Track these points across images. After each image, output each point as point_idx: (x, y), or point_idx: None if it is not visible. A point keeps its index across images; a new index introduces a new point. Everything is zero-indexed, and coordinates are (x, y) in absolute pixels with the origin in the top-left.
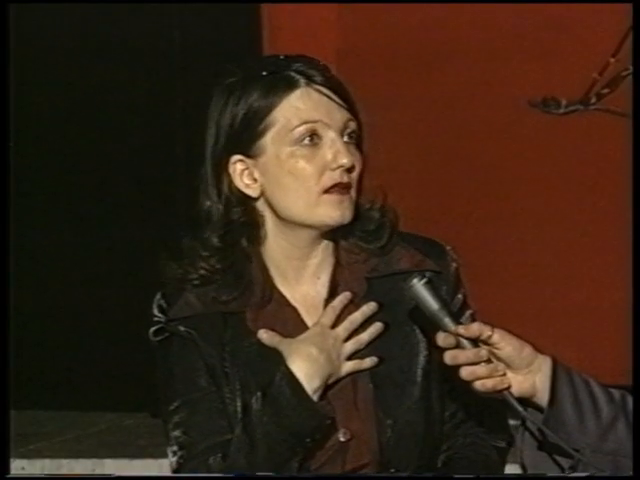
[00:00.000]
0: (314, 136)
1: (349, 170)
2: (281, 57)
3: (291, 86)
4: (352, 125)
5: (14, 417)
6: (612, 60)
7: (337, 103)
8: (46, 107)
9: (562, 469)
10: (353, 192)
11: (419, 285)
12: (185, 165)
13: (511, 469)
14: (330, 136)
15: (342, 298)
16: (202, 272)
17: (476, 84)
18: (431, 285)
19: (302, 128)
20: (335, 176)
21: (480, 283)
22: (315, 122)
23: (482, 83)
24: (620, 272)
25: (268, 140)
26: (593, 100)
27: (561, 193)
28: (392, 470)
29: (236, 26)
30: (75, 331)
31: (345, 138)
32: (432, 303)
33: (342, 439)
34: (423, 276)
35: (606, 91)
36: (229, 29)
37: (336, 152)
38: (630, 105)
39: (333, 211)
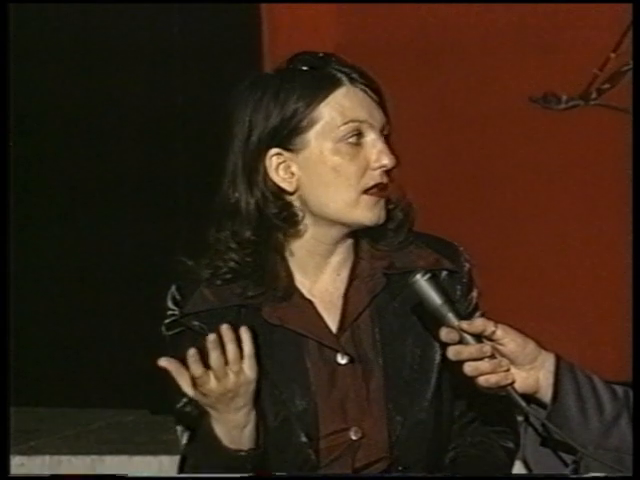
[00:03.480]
0: (358, 135)
1: (388, 171)
2: (320, 54)
3: (335, 83)
4: (387, 127)
5: (14, 414)
6: (612, 55)
7: (377, 103)
8: (45, 107)
9: (565, 465)
10: (387, 193)
11: (422, 280)
12: (185, 165)
13: (514, 465)
14: (372, 136)
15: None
16: (232, 265)
17: (476, 80)
18: (435, 280)
19: (348, 126)
20: (376, 176)
21: (480, 279)
22: (361, 122)
23: (482, 79)
24: (621, 268)
25: (312, 135)
26: (594, 95)
27: (562, 189)
28: (400, 468)
29: (236, 23)
30: (75, 328)
31: (382, 139)
32: (435, 298)
33: (353, 437)
34: (427, 271)
35: (607, 86)
36: (229, 26)
37: (379, 152)
38: (631, 100)
39: (371, 212)
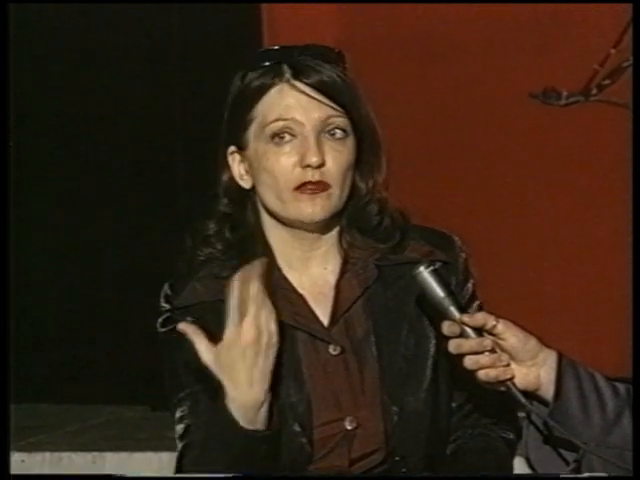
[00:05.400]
0: (286, 133)
1: (320, 167)
2: (278, 47)
3: (274, 80)
4: (337, 122)
5: (14, 410)
6: (613, 51)
7: (317, 100)
8: (45, 107)
9: (567, 463)
10: (334, 189)
11: (425, 272)
12: (185, 165)
13: (516, 462)
14: (304, 134)
15: None
16: (207, 251)
17: (477, 76)
18: (438, 273)
19: (276, 124)
20: (305, 174)
21: (480, 274)
22: (287, 120)
23: (483, 75)
24: (621, 264)
25: (250, 134)
26: (594, 91)
27: (562, 185)
28: (397, 458)
29: (236, 22)
30: (75, 324)
31: (326, 135)
32: (438, 291)
33: (348, 427)
34: (430, 264)
35: (607, 82)
36: (229, 26)
37: (305, 150)
38: (631, 96)
39: (306, 209)
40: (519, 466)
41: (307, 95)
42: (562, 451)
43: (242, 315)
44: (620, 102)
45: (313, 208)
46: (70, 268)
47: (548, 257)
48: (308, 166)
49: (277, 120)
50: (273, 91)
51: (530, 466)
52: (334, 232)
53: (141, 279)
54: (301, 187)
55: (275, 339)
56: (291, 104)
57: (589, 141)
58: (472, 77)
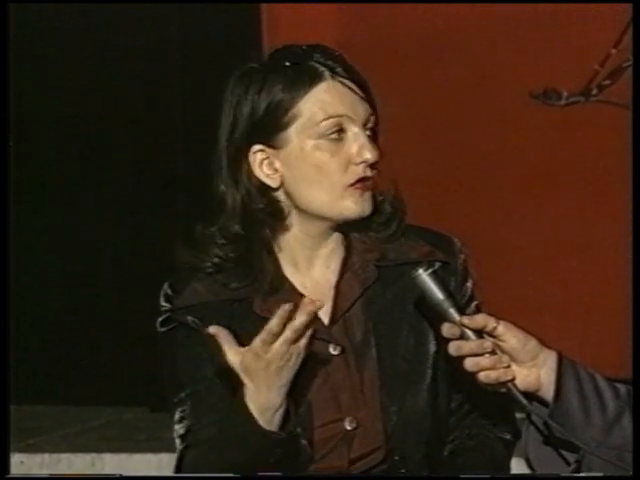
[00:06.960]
0: (339, 130)
1: (372, 165)
2: (303, 47)
3: (316, 78)
4: (372, 119)
5: (13, 411)
6: (613, 51)
7: (360, 97)
8: (45, 107)
9: (567, 463)
10: (372, 186)
11: (424, 275)
12: (185, 166)
13: (516, 462)
14: (354, 130)
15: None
16: (215, 260)
17: (477, 76)
18: (437, 275)
19: (328, 122)
20: (359, 171)
21: (480, 275)
22: (341, 116)
23: (483, 75)
24: (621, 263)
25: (292, 132)
26: (594, 92)
27: (562, 184)
28: (396, 458)
29: (236, 22)
30: (75, 325)
31: (367, 132)
32: (437, 293)
33: (348, 427)
34: (429, 266)
35: (607, 82)
36: (229, 25)
37: (360, 147)
38: (631, 96)
39: (355, 205)
40: (519, 467)
41: (353, 92)
42: (562, 452)
43: (276, 335)
44: (620, 102)
45: (363, 204)
46: (70, 268)
47: (548, 257)
48: (363, 162)
49: (330, 117)
50: (318, 89)
51: (530, 467)
52: (342, 229)
53: (141, 279)
54: (354, 184)
55: (301, 358)
56: (341, 101)
57: (589, 141)
58: (473, 77)
